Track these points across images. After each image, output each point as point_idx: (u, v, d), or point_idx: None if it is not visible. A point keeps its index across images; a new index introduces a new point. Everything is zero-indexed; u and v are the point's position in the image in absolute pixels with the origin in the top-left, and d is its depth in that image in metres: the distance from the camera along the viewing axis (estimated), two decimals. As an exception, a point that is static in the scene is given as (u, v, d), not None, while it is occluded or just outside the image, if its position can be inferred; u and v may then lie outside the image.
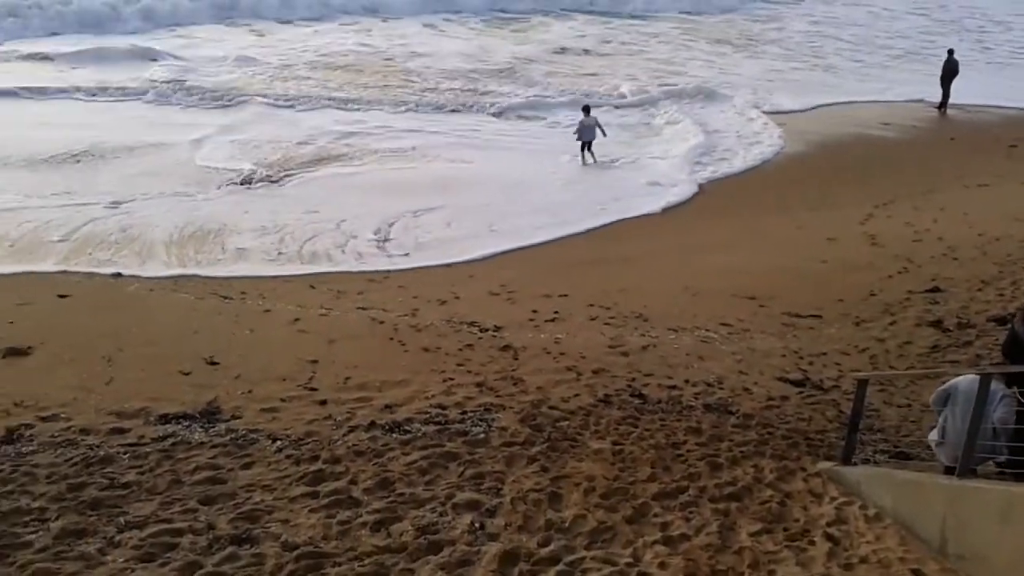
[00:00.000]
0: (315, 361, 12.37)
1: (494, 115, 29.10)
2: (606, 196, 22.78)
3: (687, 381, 12.68)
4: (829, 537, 9.09)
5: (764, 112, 30.02)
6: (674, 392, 12.32)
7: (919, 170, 25.28)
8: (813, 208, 22.49)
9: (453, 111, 29.17)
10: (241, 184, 22.31)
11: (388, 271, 19.34)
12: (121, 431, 10.34)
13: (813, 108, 31.44)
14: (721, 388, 12.66)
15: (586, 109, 26.35)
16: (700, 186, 24.08)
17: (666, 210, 22.55)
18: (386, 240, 20.27)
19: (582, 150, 25.69)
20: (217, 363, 12.12)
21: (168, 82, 30.32)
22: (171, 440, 10.22)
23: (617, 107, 30.24)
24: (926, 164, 25.86)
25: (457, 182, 23.07)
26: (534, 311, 15.51)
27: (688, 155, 25.90)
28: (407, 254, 19.87)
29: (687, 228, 21.41)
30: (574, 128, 25.79)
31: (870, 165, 25.74)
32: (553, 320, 15.08)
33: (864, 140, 28.49)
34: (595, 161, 25.46)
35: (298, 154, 24.58)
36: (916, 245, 19.24)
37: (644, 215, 22.09)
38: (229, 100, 28.73)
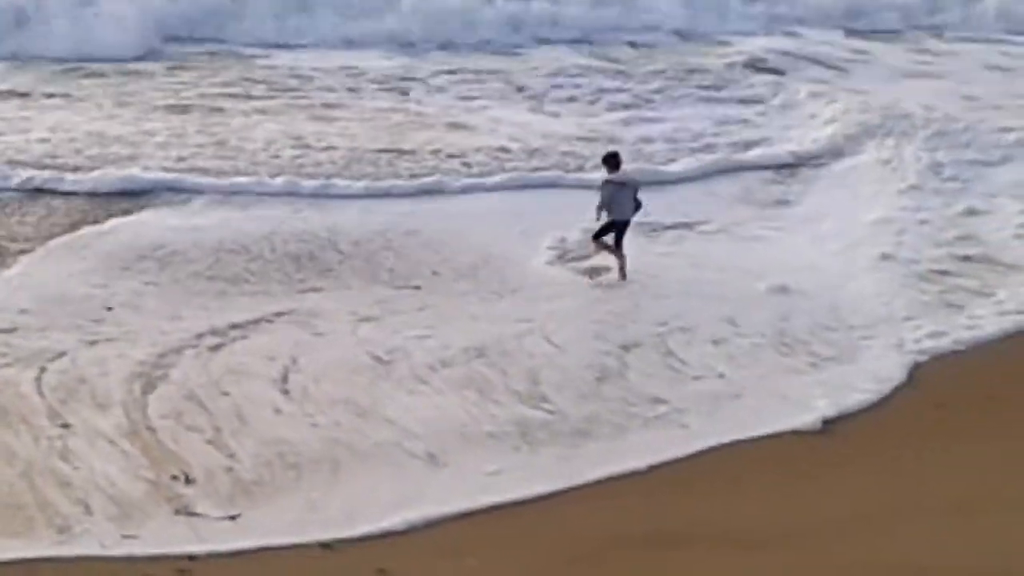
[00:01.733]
0: None
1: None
2: (675, 380, 11.53)
3: None
4: None
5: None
6: None
7: None
8: None
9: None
10: None
11: (189, 554, 8.60)
12: None
13: None
14: None
15: (613, 160, 14.05)
16: (913, 369, 11.79)
17: (833, 423, 10.68)
18: (187, 480, 9.49)
19: (615, 242, 13.81)
20: None
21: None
22: None
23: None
24: None
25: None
26: None
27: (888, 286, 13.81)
28: (232, 516, 9.11)
29: (885, 473, 9.81)
30: (598, 202, 13.82)
31: None
32: None
33: None
34: (623, 273, 13.76)
35: None
36: None
37: (777, 435, 10.48)
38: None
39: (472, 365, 11.75)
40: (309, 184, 16.65)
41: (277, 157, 17.83)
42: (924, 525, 9.02)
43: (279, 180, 16.73)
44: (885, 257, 14.62)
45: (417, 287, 13.72)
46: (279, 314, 12.78)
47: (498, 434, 10.56)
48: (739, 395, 11.30)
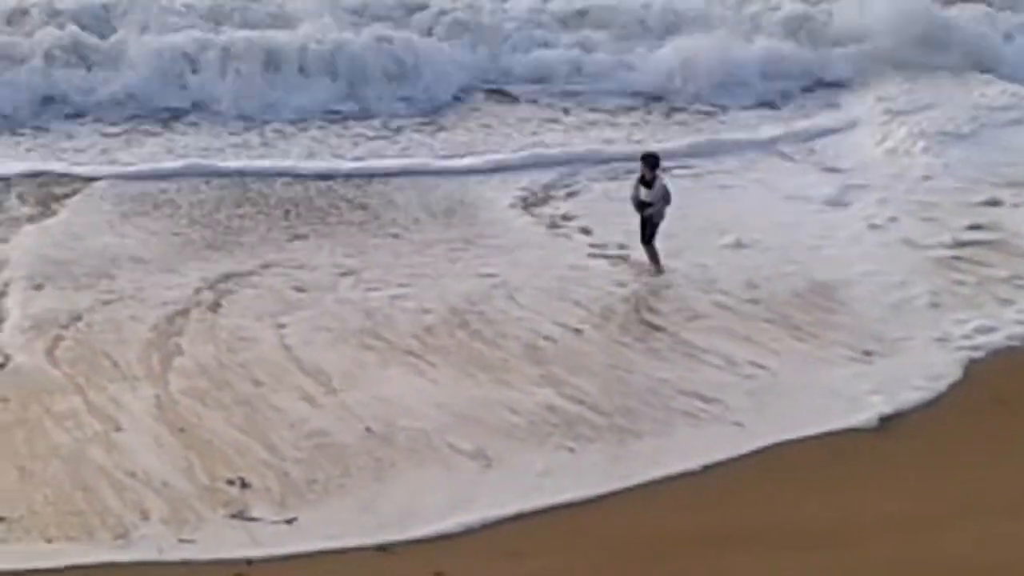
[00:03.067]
0: None
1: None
2: (716, 381, 11.33)
3: None
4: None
5: None
6: None
7: None
8: None
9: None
10: None
11: (247, 559, 8.57)
12: None
13: None
14: None
15: (653, 160, 13.61)
16: (968, 366, 11.51)
17: (889, 421, 10.54)
18: (243, 485, 9.47)
19: (648, 241, 13.55)
20: None
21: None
22: None
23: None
24: None
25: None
26: None
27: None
28: (288, 520, 9.08)
29: (943, 471, 9.65)
30: (632, 196, 13.58)
31: None
32: None
33: None
34: (658, 270, 13.56)
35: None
36: None
37: (834, 433, 10.32)
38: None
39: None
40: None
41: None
42: (981, 524, 8.89)
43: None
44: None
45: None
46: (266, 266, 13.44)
47: (539, 430, 10.47)
48: (789, 392, 11.16)
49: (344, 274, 13.41)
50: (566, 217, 15.11)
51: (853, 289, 13.22)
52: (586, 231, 14.60)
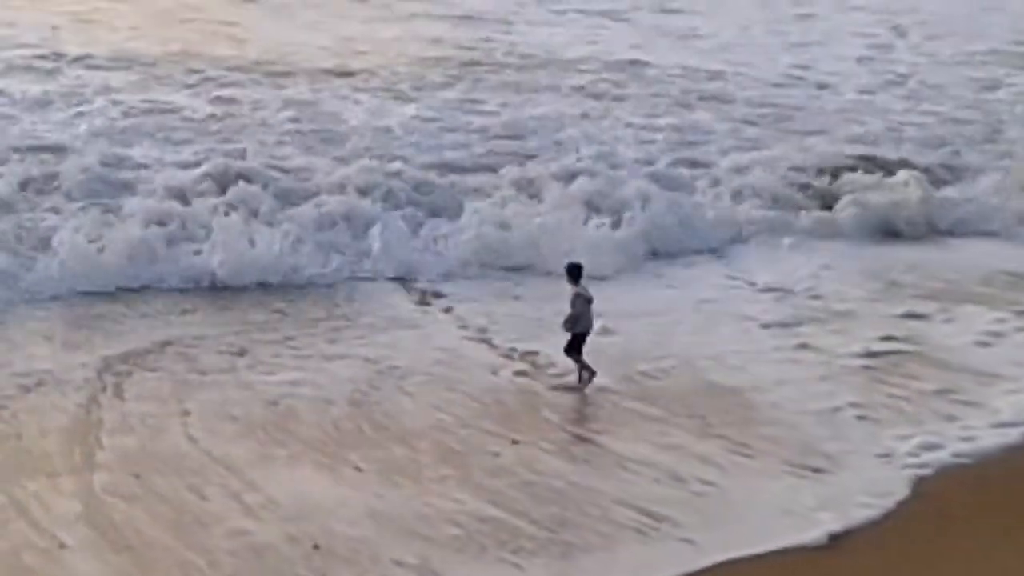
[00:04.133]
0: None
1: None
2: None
3: None
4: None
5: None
6: None
7: None
8: None
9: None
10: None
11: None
12: None
13: None
14: None
15: (575, 270, 13.30)
16: (916, 483, 11.35)
17: (839, 539, 10.24)
18: None
19: (575, 351, 13.20)
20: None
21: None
22: None
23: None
24: None
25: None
26: None
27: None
28: None
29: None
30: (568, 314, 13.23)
31: None
32: None
33: None
34: (590, 376, 13.19)
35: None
36: None
37: (785, 551, 10.04)
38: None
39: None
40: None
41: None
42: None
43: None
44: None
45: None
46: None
47: (480, 542, 10.11)
48: (737, 508, 10.93)
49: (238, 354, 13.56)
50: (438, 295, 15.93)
51: (778, 401, 13.20)
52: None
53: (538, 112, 24.14)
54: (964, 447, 12.09)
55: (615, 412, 12.74)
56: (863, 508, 10.82)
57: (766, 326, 15.33)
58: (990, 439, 12.22)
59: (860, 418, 12.80)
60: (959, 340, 15.11)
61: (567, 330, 13.17)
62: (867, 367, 14.17)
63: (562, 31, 32.68)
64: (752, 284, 17.00)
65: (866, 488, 11.22)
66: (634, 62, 29.05)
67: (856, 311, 15.97)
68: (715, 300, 16.42)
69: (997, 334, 15.33)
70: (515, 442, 11.95)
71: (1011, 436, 12.27)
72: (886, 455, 11.97)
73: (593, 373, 13.17)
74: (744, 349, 14.60)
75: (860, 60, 31.08)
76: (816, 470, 11.65)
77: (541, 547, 10.14)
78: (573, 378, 13.23)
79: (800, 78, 28.77)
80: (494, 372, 13.59)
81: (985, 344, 15.06)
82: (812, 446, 12.13)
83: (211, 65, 26.21)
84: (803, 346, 14.69)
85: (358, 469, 11.30)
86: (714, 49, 31.39)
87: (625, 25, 34.46)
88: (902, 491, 11.15)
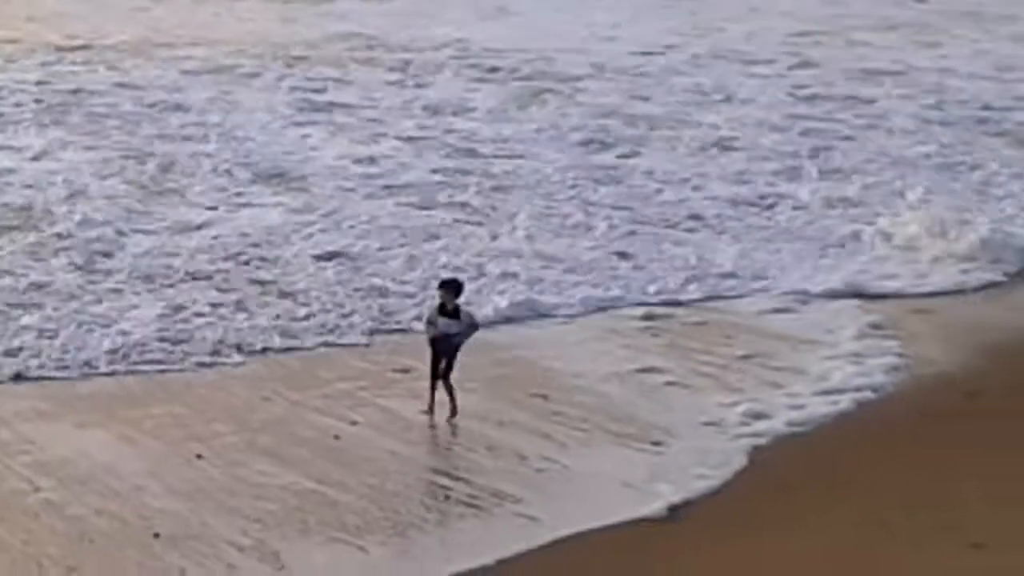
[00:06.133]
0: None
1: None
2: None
3: None
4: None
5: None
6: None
7: None
8: (1010, 498, 10.32)
9: None
10: None
11: None
12: None
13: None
14: None
15: (452, 287, 12.37)
16: (752, 453, 11.55)
17: (678, 510, 10.42)
18: None
19: (436, 379, 12.23)
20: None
21: None
22: None
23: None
24: None
25: None
26: None
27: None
28: None
29: (732, 556, 9.57)
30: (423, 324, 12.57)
31: None
32: None
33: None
34: (453, 411, 12.16)
35: None
36: None
37: (626, 523, 10.13)
38: None
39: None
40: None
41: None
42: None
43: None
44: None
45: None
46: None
47: (311, 521, 10.03)
48: (579, 484, 10.98)
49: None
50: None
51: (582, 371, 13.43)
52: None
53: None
54: (795, 415, 12.32)
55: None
56: (701, 479, 10.98)
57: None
58: (820, 407, 12.51)
59: (670, 384, 13.11)
60: (757, 307, 15.65)
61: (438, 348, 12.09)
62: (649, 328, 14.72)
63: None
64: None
65: (702, 459, 11.39)
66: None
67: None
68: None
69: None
70: (354, 423, 11.90)
71: (842, 403, 12.59)
72: (714, 423, 12.16)
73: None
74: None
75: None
76: (652, 442, 11.75)
77: (380, 526, 10.08)
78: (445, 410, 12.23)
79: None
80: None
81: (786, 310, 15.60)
82: (638, 417, 12.27)
83: None
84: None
85: (199, 456, 11.13)
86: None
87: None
88: (739, 461, 11.35)
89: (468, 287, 13.28)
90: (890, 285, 16.42)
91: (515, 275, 16.27)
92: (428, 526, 10.18)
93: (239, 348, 13.76)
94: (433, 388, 12.09)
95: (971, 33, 34.73)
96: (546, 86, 27.10)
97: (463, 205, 19.14)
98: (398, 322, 14.58)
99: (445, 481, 10.96)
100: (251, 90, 26.11)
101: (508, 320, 14.86)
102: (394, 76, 27.75)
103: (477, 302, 14.32)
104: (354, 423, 11.91)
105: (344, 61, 29.03)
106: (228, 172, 20.31)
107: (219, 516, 10.13)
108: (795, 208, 19.62)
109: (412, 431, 11.93)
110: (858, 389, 13.01)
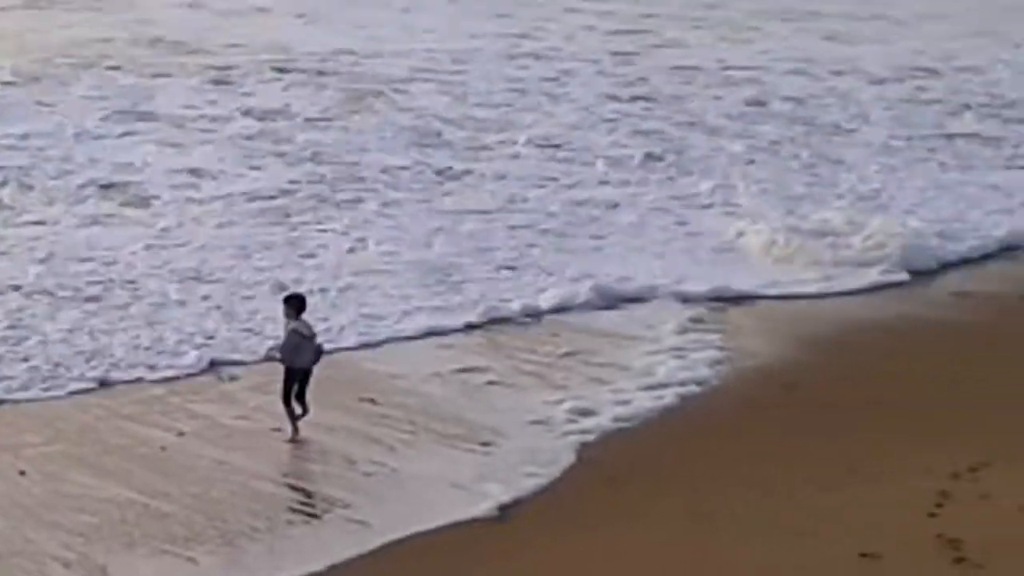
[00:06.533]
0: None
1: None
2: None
3: None
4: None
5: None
6: None
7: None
8: (830, 484, 10.84)
9: None
10: None
11: None
12: None
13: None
14: None
15: (296, 302, 12.08)
16: (580, 450, 11.65)
17: (509, 509, 10.47)
18: None
19: (290, 398, 11.74)
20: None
21: None
22: None
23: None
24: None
25: None
26: None
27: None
28: None
29: (563, 553, 9.72)
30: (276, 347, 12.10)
31: (934, 388, 13.41)
32: None
33: (919, 333, 15.83)
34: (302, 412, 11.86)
35: None
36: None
37: (457, 525, 10.15)
38: None
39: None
40: None
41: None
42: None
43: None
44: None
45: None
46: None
47: (138, 533, 9.87)
48: (409, 487, 10.96)
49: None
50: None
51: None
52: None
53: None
54: (621, 411, 12.52)
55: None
56: (530, 478, 11.09)
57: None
58: (645, 402, 12.74)
59: (493, 383, 13.24)
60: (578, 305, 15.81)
61: (281, 361, 11.74)
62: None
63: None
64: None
65: (531, 457, 11.50)
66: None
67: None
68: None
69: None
70: (181, 434, 11.71)
71: (666, 398, 12.85)
72: (541, 421, 12.29)
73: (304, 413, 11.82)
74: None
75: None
76: (480, 443, 11.83)
77: (208, 535, 9.95)
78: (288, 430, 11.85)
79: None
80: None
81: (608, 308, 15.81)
82: (465, 417, 12.33)
83: None
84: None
85: (22, 473, 10.84)
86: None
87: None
88: (567, 458, 11.49)
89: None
90: (713, 282, 16.66)
91: (352, 287, 16.06)
92: (257, 534, 10.06)
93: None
94: (291, 413, 11.72)
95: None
96: (371, 89, 27.14)
97: (301, 212, 19.00)
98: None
99: (273, 488, 10.88)
100: (69, 100, 25.40)
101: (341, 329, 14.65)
102: (215, 83, 27.45)
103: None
104: (181, 434, 11.72)
105: (162, 68, 28.58)
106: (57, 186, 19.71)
107: (40, 532, 9.86)
108: (628, 206, 20.06)
109: (238, 439, 11.75)
110: (682, 383, 13.30)
